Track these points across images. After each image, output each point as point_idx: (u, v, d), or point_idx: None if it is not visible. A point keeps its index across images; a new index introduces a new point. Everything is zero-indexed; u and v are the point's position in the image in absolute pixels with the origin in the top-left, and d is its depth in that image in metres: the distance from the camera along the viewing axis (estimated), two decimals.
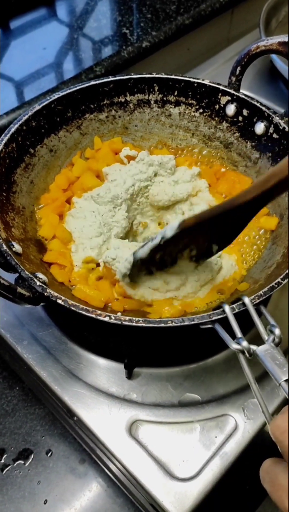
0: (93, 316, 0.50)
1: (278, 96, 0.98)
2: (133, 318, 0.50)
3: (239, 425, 0.62)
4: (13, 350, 0.69)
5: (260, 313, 0.51)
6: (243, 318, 0.50)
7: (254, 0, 1.26)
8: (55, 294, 0.52)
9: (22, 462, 0.79)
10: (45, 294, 0.52)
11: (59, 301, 0.51)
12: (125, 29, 1.08)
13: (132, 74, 0.74)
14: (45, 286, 0.53)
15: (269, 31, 1.02)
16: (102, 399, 0.64)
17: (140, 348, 0.66)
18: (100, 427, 0.62)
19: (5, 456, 0.80)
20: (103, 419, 0.62)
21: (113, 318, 0.50)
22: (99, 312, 0.50)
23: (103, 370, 0.66)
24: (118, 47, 1.03)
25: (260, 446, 0.62)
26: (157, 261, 0.59)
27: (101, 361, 0.67)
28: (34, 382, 0.74)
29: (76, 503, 0.77)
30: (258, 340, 0.48)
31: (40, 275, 0.56)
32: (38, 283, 0.53)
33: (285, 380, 0.42)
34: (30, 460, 0.80)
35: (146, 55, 1.05)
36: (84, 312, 0.51)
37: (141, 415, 0.62)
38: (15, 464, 0.79)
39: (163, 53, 1.10)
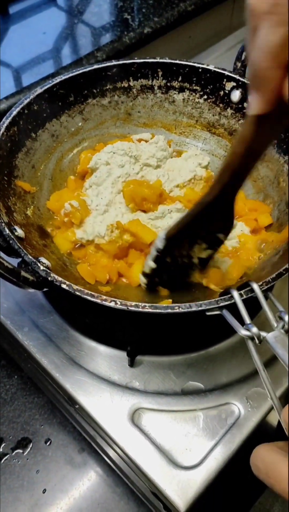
0: (99, 301, 0.49)
1: None
2: (140, 304, 0.49)
3: (242, 414, 0.61)
4: (13, 337, 0.68)
5: (267, 300, 0.51)
6: (248, 305, 0.49)
7: None
8: (59, 279, 0.51)
9: (21, 451, 0.79)
10: (49, 278, 0.51)
11: (64, 286, 0.50)
12: (127, 14, 1.06)
13: (136, 58, 0.73)
14: (48, 271, 0.52)
15: None
16: (104, 387, 0.63)
17: (143, 335, 0.65)
18: (102, 415, 0.61)
19: (3, 445, 0.79)
20: (105, 407, 0.61)
21: (119, 303, 0.49)
22: (104, 297, 0.50)
23: (105, 357, 0.66)
24: (120, 33, 1.01)
25: (263, 435, 0.62)
26: (173, 266, 0.60)
27: (103, 349, 0.66)
28: (34, 370, 0.73)
29: (75, 492, 0.77)
30: (264, 328, 0.47)
31: (43, 259, 0.55)
32: (42, 267, 0.52)
33: None
34: (29, 449, 0.79)
35: (147, 41, 1.03)
36: (89, 297, 0.50)
37: (144, 403, 0.62)
38: (13, 453, 0.78)
39: (164, 40, 1.08)
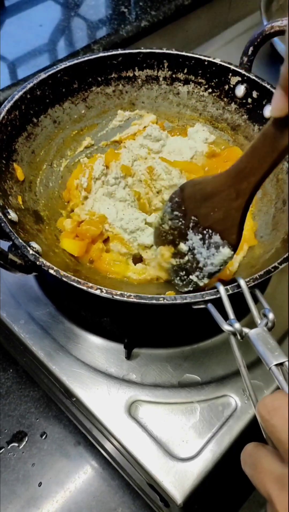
0: (84, 288, 0.49)
1: (277, 80, 0.97)
2: (125, 293, 0.49)
3: (239, 406, 0.61)
4: (9, 329, 0.68)
5: (255, 297, 0.51)
6: (239, 302, 0.50)
7: None
8: (47, 264, 0.51)
9: (16, 444, 0.79)
10: (37, 263, 0.51)
11: (51, 271, 0.50)
12: (124, 8, 1.06)
13: (142, 48, 0.72)
14: (38, 255, 0.52)
15: (270, 14, 1.00)
16: (101, 379, 0.63)
17: (140, 328, 0.65)
18: (99, 408, 0.61)
19: None
20: (102, 399, 0.61)
21: (104, 291, 0.49)
22: (90, 284, 0.49)
23: (102, 350, 0.65)
24: (117, 26, 1.01)
25: (260, 428, 0.62)
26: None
27: (100, 341, 0.66)
28: (30, 363, 0.73)
29: (71, 486, 0.77)
30: (254, 326, 0.47)
31: (34, 244, 0.55)
32: (31, 251, 0.52)
33: (276, 365, 0.42)
34: (25, 442, 0.79)
35: (144, 34, 1.03)
36: (75, 284, 0.50)
37: (141, 396, 0.62)
38: (9, 447, 0.78)
39: (161, 33, 1.08)
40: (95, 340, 0.66)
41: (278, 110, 0.43)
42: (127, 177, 0.68)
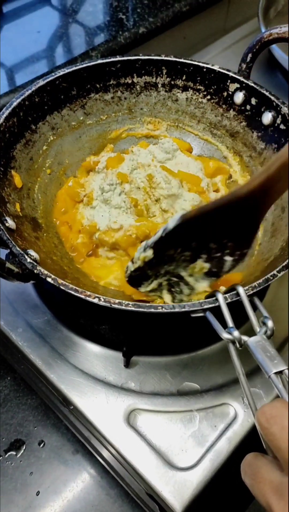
0: (82, 296, 0.49)
1: (276, 87, 0.97)
2: (123, 302, 0.49)
3: (239, 414, 0.61)
4: (7, 338, 0.67)
5: (254, 305, 0.51)
6: (238, 310, 0.50)
7: None
8: (45, 272, 0.51)
9: (14, 453, 0.78)
10: (35, 271, 0.51)
11: (49, 279, 0.50)
12: (122, 14, 1.06)
13: (140, 54, 0.73)
14: (35, 264, 0.51)
15: (268, 21, 1.01)
16: (100, 388, 0.62)
17: (137, 335, 0.65)
18: (97, 416, 0.60)
19: None
20: (101, 408, 0.61)
21: (102, 300, 0.49)
22: (88, 293, 0.49)
23: (100, 358, 0.65)
24: (115, 33, 1.01)
25: (259, 436, 0.62)
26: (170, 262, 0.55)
27: (98, 349, 0.66)
28: (28, 371, 0.72)
29: (69, 494, 0.76)
30: (253, 333, 0.47)
31: (32, 252, 0.55)
32: (28, 260, 0.52)
33: (275, 373, 0.42)
34: (22, 451, 0.78)
35: (142, 41, 1.03)
36: (73, 292, 0.49)
37: (140, 404, 0.61)
38: (6, 455, 0.77)
39: (159, 40, 1.08)
40: (93, 348, 0.66)
41: None
42: (124, 183, 0.68)
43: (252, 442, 0.60)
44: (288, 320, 0.70)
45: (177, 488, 0.55)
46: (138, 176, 0.68)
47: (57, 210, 0.71)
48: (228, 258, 0.54)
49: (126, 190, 0.68)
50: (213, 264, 0.54)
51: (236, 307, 0.50)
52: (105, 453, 0.68)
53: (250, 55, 0.69)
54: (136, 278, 0.58)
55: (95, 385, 0.63)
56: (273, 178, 0.46)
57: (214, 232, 0.52)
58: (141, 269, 0.56)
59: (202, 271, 0.55)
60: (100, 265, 0.67)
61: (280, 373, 0.42)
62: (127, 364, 0.64)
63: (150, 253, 0.54)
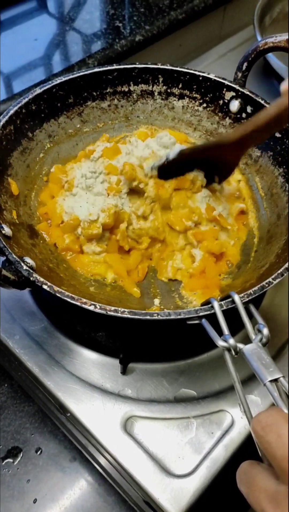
0: (78, 304, 0.49)
1: (271, 94, 0.98)
2: (119, 309, 0.49)
3: (235, 421, 0.61)
4: (4, 345, 0.67)
5: (249, 312, 0.51)
6: (234, 318, 0.50)
7: None
8: (41, 279, 0.51)
9: (11, 460, 0.78)
10: (31, 278, 0.51)
11: (45, 287, 0.50)
12: (118, 22, 1.07)
13: (137, 63, 0.73)
14: (31, 271, 0.52)
15: (263, 29, 1.01)
16: (97, 395, 0.62)
17: (134, 342, 0.65)
18: (94, 424, 0.60)
19: None
20: (98, 415, 0.61)
21: (98, 307, 0.49)
22: (84, 300, 0.49)
23: (97, 365, 0.65)
24: (111, 40, 1.02)
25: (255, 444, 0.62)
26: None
27: (95, 356, 0.66)
28: (25, 378, 0.72)
29: (66, 502, 0.76)
30: (249, 340, 0.47)
31: (28, 259, 0.55)
32: (25, 267, 0.52)
33: (271, 381, 0.42)
34: (19, 458, 0.78)
35: (138, 49, 1.04)
36: (69, 299, 0.50)
37: (137, 411, 0.61)
38: (3, 463, 0.77)
39: (155, 47, 1.09)
40: (90, 355, 0.66)
41: None
42: (111, 175, 0.69)
43: (248, 449, 0.60)
44: (287, 324, 0.70)
45: (174, 495, 0.55)
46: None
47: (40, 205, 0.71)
48: (215, 177, 0.69)
49: (112, 181, 0.69)
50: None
51: (232, 314, 0.50)
52: (102, 460, 0.68)
53: (245, 63, 0.69)
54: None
55: (92, 392, 0.63)
56: (247, 135, 0.61)
57: (203, 162, 0.66)
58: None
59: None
60: (92, 262, 0.67)
61: (275, 381, 0.42)
62: (124, 371, 0.64)
63: (154, 172, 0.67)
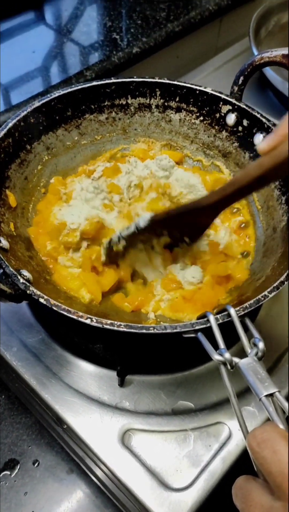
0: (74, 317, 0.50)
1: (267, 106, 0.99)
2: (115, 322, 0.49)
3: (233, 433, 0.61)
4: (1, 356, 0.67)
5: (245, 326, 0.51)
6: (230, 330, 0.50)
7: (242, 10, 1.27)
8: (38, 292, 0.51)
9: (8, 472, 0.77)
10: (28, 292, 0.51)
11: (41, 300, 0.51)
12: (116, 34, 1.08)
13: (134, 77, 0.74)
14: (28, 284, 0.52)
15: (259, 41, 1.03)
16: (94, 407, 0.62)
17: (131, 354, 0.65)
18: (91, 436, 0.60)
19: None
20: (95, 428, 0.61)
21: (94, 320, 0.49)
22: (80, 314, 0.50)
23: (94, 377, 0.65)
24: (109, 52, 1.03)
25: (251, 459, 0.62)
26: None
27: (93, 368, 0.66)
28: (22, 390, 0.72)
29: None
30: (244, 354, 0.47)
31: (25, 272, 0.55)
32: (21, 280, 0.52)
33: (266, 395, 0.42)
34: (17, 470, 0.77)
35: (136, 61, 1.05)
36: (65, 313, 0.50)
37: (134, 424, 0.61)
38: (1, 475, 0.77)
39: (152, 59, 1.10)
40: (88, 367, 0.66)
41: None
42: (113, 193, 0.69)
43: (246, 461, 0.60)
44: (285, 336, 0.70)
45: (172, 509, 0.55)
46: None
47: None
48: (186, 239, 0.66)
49: (115, 200, 0.69)
50: (173, 240, 0.67)
51: (228, 326, 0.50)
52: (99, 473, 0.68)
53: (241, 78, 0.70)
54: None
55: (90, 404, 0.63)
56: (227, 197, 0.58)
57: (175, 227, 0.65)
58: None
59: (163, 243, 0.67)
60: (69, 275, 0.65)
61: (270, 395, 0.42)
62: (121, 383, 0.64)
63: (123, 243, 0.65)
